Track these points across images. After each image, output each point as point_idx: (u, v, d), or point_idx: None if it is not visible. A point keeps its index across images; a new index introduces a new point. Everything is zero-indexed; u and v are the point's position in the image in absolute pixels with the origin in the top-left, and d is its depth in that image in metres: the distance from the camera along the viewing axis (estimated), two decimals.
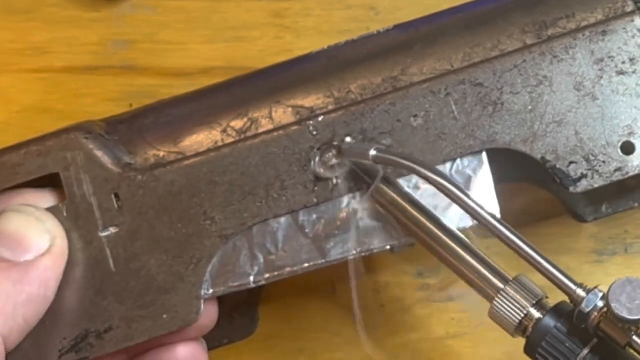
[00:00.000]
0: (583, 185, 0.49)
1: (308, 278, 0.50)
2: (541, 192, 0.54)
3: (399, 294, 0.57)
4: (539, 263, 0.45)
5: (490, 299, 0.46)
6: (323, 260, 0.49)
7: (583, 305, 0.43)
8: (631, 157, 0.49)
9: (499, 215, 0.49)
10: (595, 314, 0.43)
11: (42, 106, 0.61)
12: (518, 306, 0.45)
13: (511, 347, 0.50)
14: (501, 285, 0.46)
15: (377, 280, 0.58)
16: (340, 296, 0.58)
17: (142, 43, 0.61)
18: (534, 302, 0.45)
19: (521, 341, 0.47)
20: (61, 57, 0.62)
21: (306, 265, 0.49)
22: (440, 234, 0.47)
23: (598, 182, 0.49)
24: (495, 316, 0.46)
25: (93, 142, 0.49)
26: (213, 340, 0.53)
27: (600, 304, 0.43)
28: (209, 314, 0.50)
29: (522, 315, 0.45)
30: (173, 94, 0.53)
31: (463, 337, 0.57)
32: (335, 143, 0.49)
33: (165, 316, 0.49)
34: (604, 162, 0.49)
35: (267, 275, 0.49)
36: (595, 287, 0.44)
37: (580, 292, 0.44)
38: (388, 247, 0.49)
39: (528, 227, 0.56)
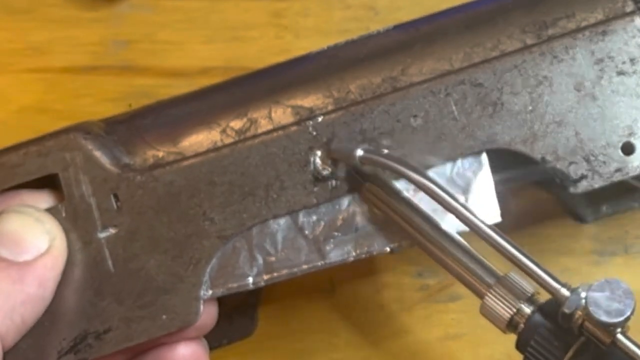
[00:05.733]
0: (583, 186, 0.49)
1: (307, 279, 0.50)
2: (541, 192, 0.54)
3: (398, 295, 0.57)
4: (522, 262, 0.44)
5: (482, 296, 0.46)
6: (322, 262, 0.49)
7: (565, 306, 0.43)
8: (631, 157, 0.49)
9: (499, 216, 0.49)
10: (579, 313, 0.43)
11: (41, 106, 0.61)
12: (509, 302, 0.45)
13: (511, 348, 0.50)
14: (492, 282, 0.46)
15: (377, 280, 0.58)
16: (339, 297, 0.58)
17: (140, 43, 0.61)
18: (525, 298, 0.45)
19: None
20: (60, 57, 0.61)
21: (305, 266, 0.49)
22: (431, 231, 0.47)
23: (598, 183, 0.49)
24: (487, 312, 0.46)
25: (92, 143, 0.49)
26: (212, 340, 0.53)
27: (582, 305, 0.43)
28: (208, 314, 0.50)
29: (513, 311, 0.45)
30: (172, 94, 0.53)
31: (463, 337, 0.57)
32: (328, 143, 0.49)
33: (164, 317, 0.49)
34: (604, 162, 0.48)
35: (266, 277, 0.49)
36: (578, 287, 0.43)
37: (564, 291, 0.43)
38: (387, 250, 0.49)
39: (528, 227, 0.56)
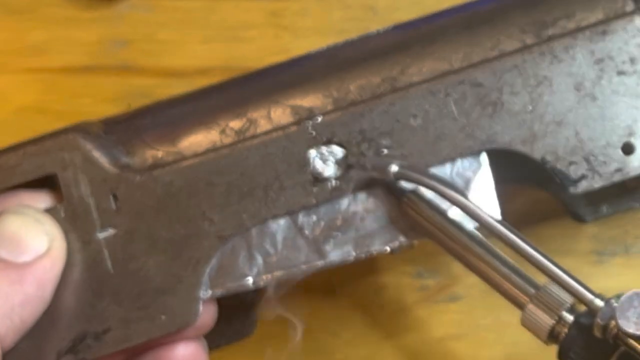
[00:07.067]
0: (583, 186, 0.49)
1: (307, 278, 0.50)
2: (541, 192, 0.54)
3: (398, 295, 0.57)
4: (556, 274, 0.44)
5: (522, 306, 0.46)
6: (322, 262, 0.49)
7: (598, 317, 0.43)
8: (631, 157, 0.48)
9: (499, 216, 0.49)
10: (613, 324, 0.43)
11: (40, 106, 0.61)
12: (550, 312, 0.45)
13: (511, 348, 0.50)
14: (533, 291, 0.46)
15: (377, 281, 0.58)
16: (339, 297, 0.58)
17: (139, 43, 0.61)
18: (566, 308, 0.45)
19: (521, 342, 0.47)
20: (59, 57, 0.61)
21: (305, 267, 0.49)
22: (469, 241, 0.47)
23: (598, 183, 0.49)
24: (528, 322, 0.45)
25: (91, 143, 0.49)
26: (211, 340, 0.53)
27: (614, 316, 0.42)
28: (208, 314, 0.50)
29: (555, 320, 0.45)
30: (171, 94, 0.52)
31: (463, 337, 0.57)
32: (334, 144, 0.49)
33: (163, 317, 0.48)
34: (604, 162, 0.48)
35: (265, 277, 0.49)
36: (611, 298, 0.43)
37: (598, 302, 0.43)
38: (387, 250, 0.49)
39: (528, 228, 0.56)
